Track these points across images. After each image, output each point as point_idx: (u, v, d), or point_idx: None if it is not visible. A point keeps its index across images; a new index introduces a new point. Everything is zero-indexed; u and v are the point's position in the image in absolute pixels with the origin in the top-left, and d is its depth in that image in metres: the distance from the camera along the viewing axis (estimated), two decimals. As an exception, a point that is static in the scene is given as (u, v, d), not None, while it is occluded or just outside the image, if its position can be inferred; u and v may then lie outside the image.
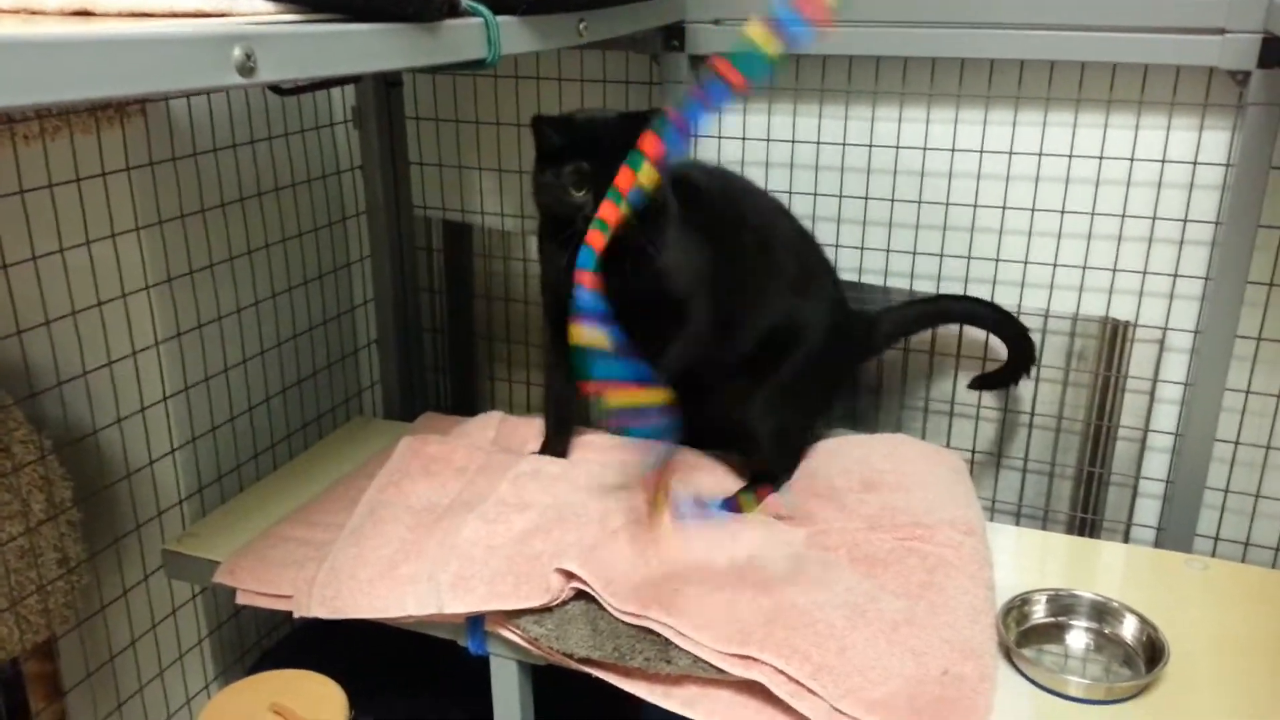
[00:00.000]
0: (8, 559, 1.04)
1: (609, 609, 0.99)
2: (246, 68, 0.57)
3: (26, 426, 1.06)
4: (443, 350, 1.66)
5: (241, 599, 1.11)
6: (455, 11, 0.81)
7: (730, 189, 1.25)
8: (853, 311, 1.30)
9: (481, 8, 0.84)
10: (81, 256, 1.14)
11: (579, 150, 1.06)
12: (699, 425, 1.22)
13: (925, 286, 1.35)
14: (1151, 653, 1.00)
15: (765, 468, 1.23)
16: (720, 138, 1.40)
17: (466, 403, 1.66)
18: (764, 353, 1.20)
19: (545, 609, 1.01)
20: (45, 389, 1.13)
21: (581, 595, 1.01)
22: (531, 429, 1.35)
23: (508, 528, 1.10)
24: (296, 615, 1.06)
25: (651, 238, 1.08)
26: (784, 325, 1.20)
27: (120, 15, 0.61)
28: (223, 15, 0.60)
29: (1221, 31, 1.12)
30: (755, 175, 1.39)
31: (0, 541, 1.03)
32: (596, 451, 1.28)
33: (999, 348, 1.32)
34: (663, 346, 1.13)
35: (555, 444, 1.27)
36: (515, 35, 0.89)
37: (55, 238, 1.11)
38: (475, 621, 1.04)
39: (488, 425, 1.38)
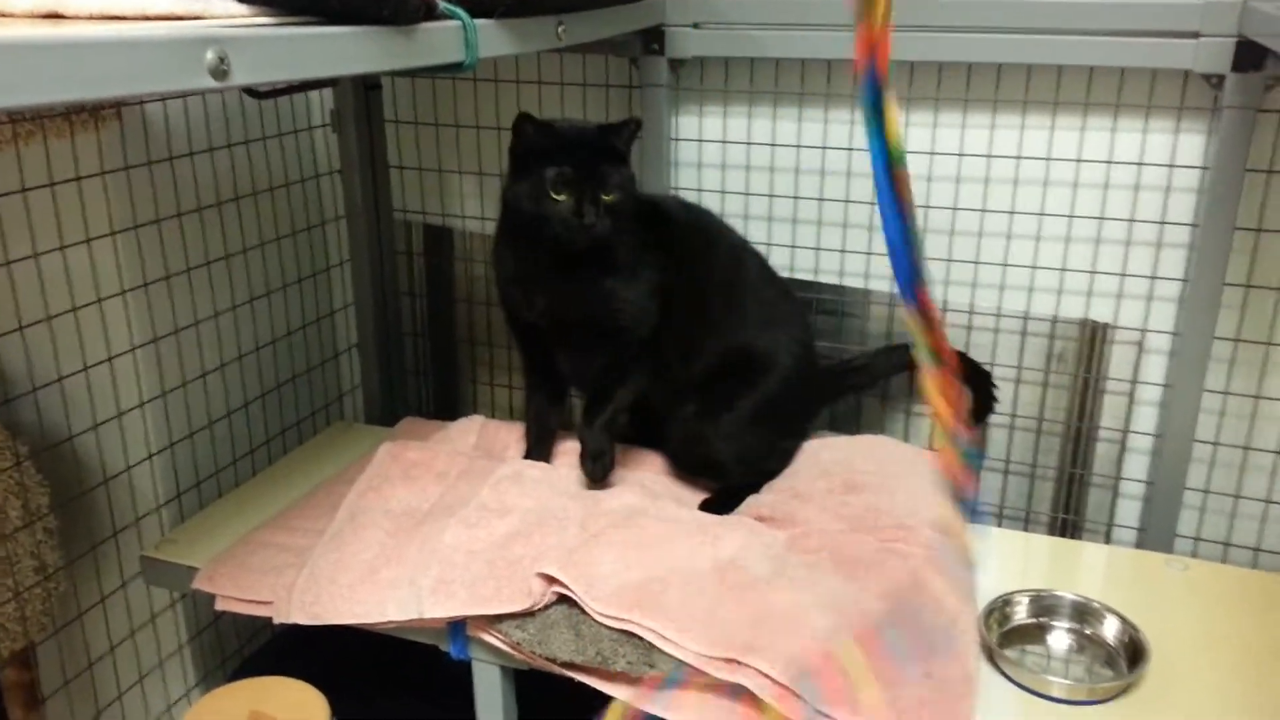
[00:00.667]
0: (-17, 567, 1.03)
1: (591, 613, 0.98)
2: (220, 70, 0.57)
3: (2, 433, 1.05)
4: (423, 354, 1.66)
5: (221, 605, 1.10)
6: (432, 14, 0.80)
7: (702, 225, 1.26)
8: (815, 358, 1.31)
9: (459, 10, 0.84)
10: (56, 261, 1.13)
11: (563, 155, 1.07)
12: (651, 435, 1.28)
13: (906, 289, 1.36)
14: (1133, 653, 1.00)
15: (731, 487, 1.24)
16: (700, 141, 1.40)
17: (448, 407, 1.66)
18: (721, 383, 1.21)
19: (527, 613, 1.00)
20: (20, 394, 1.12)
21: (563, 599, 1.01)
22: (513, 433, 1.34)
23: (489, 532, 1.10)
24: (276, 621, 1.06)
25: (610, 263, 1.12)
26: (741, 358, 1.21)
27: (91, 18, 0.60)
28: (196, 18, 0.60)
29: (1196, 35, 1.13)
30: (735, 178, 1.40)
31: (-25, 549, 1.02)
32: (576, 456, 1.28)
33: (981, 347, 1.33)
34: (596, 370, 1.19)
35: (536, 453, 1.28)
36: (493, 38, 0.89)
37: (29, 242, 1.10)
38: (457, 626, 1.03)
39: (469, 430, 1.38)
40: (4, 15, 0.63)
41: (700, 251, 1.23)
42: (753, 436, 1.22)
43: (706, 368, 1.21)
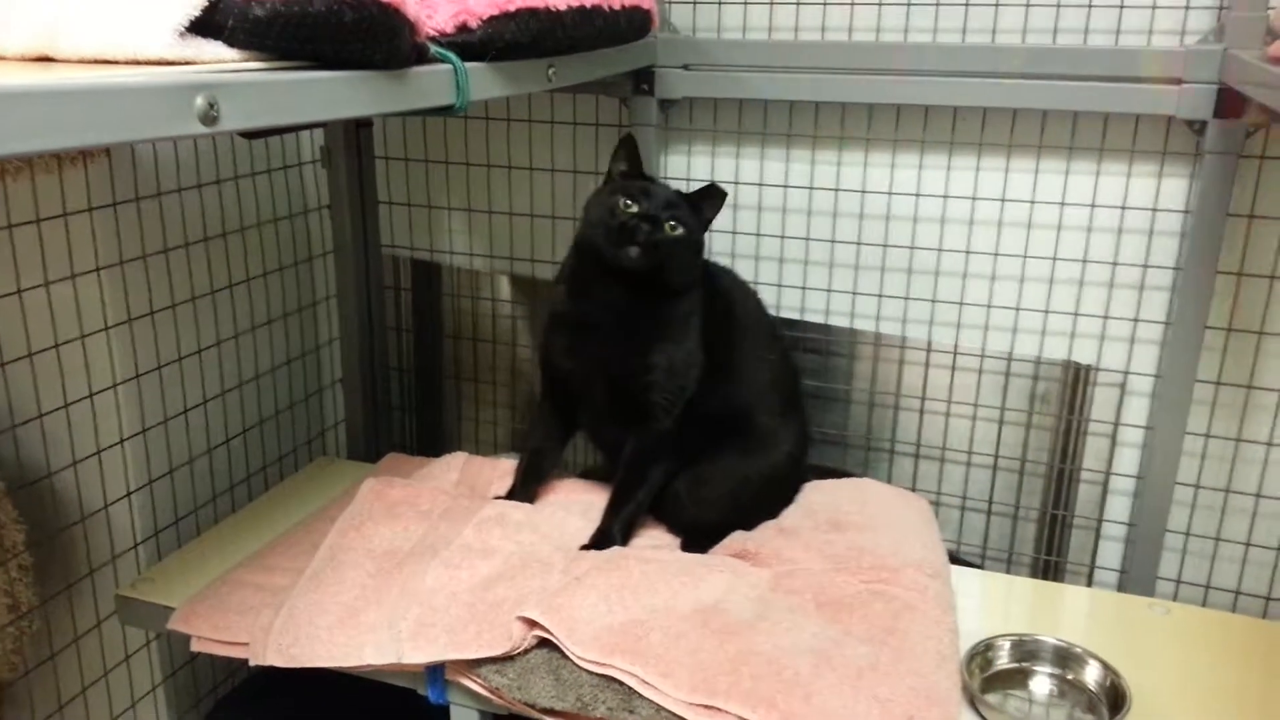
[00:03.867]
0: (-44, 606, 1.01)
1: (572, 657, 0.97)
2: (209, 117, 0.57)
3: (-22, 470, 1.04)
4: (408, 389, 1.65)
5: (196, 646, 1.08)
6: (423, 58, 0.80)
7: (749, 305, 1.27)
8: (807, 452, 1.31)
9: (450, 54, 0.84)
10: (40, 297, 1.12)
11: (648, 181, 1.19)
12: None
13: (890, 329, 1.36)
14: (1114, 699, 1.00)
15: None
16: (689, 179, 1.41)
17: (432, 442, 1.65)
18: (715, 453, 1.21)
19: (507, 658, 0.99)
20: (0, 431, 1.11)
21: (544, 643, 1.00)
22: (496, 470, 1.34)
23: (471, 574, 1.09)
24: (252, 664, 1.04)
25: (660, 322, 1.16)
26: (741, 430, 1.21)
27: (82, 61, 0.60)
28: (186, 64, 0.60)
29: (1179, 82, 1.15)
30: (722, 216, 1.40)
31: (-52, 588, 1.00)
32: (561, 496, 1.27)
33: (965, 390, 1.34)
34: (626, 457, 1.19)
35: (522, 493, 1.26)
36: (484, 81, 0.89)
37: (14, 279, 1.09)
38: (436, 670, 1.02)
39: (451, 467, 1.37)
40: (-4, 57, 0.63)
41: (735, 326, 1.23)
42: (736, 505, 1.22)
43: (705, 432, 1.20)
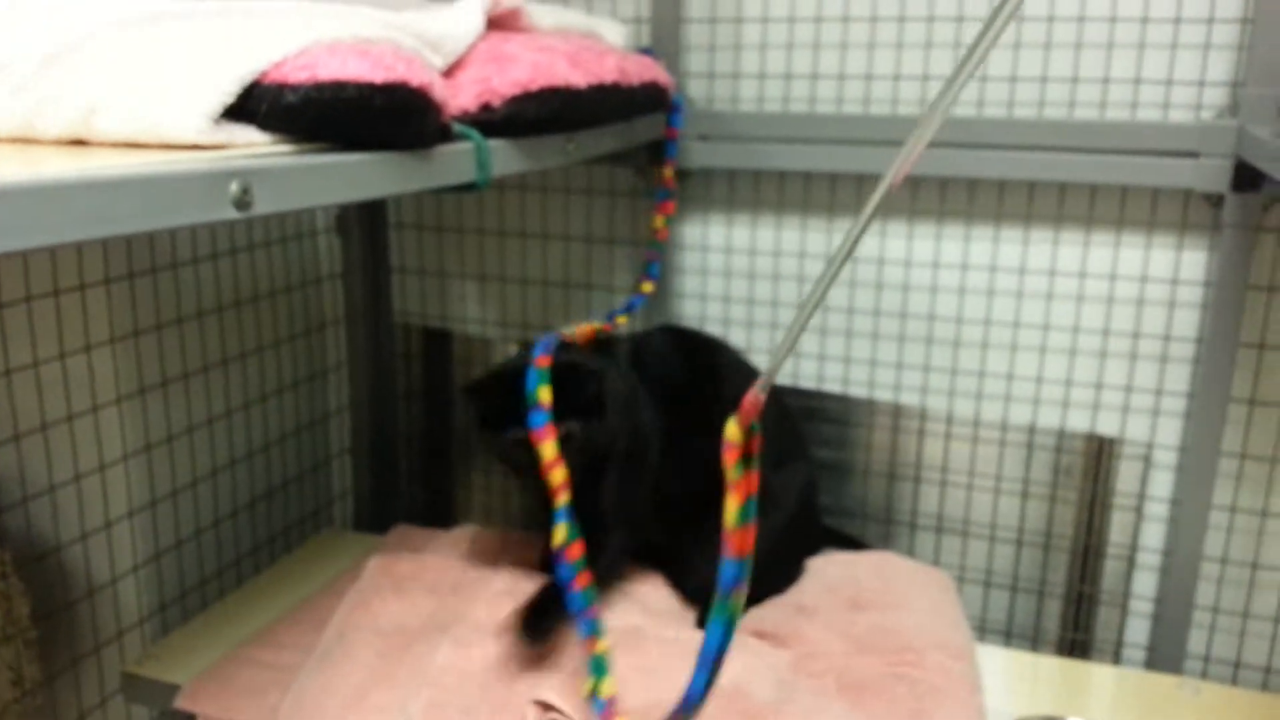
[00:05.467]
0: (-41, 685, 0.99)
1: (591, 741, 0.95)
2: (243, 202, 0.56)
3: (-11, 545, 1.02)
4: (418, 458, 1.63)
5: (203, 726, 1.06)
6: (447, 136, 0.80)
7: (712, 365, 1.24)
8: (818, 513, 1.29)
9: (472, 132, 0.84)
10: (55, 370, 1.11)
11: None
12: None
13: (910, 399, 1.35)
14: (1151, 786, 0.97)
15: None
16: (705, 249, 1.41)
17: (441, 513, 1.63)
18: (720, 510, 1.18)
19: (524, 741, 0.97)
20: (11, 505, 1.09)
21: (563, 726, 0.97)
22: (507, 541, 1.31)
23: (483, 652, 1.06)
24: (262, 746, 1.02)
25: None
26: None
27: (115, 145, 0.60)
28: (219, 148, 0.59)
29: (1195, 155, 1.15)
30: (739, 285, 1.40)
31: (-48, 667, 0.98)
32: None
33: (987, 463, 1.32)
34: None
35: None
36: (505, 157, 0.89)
37: (30, 350, 1.08)
38: (451, 753, 0.99)
39: (461, 539, 1.34)
40: (33, 141, 0.62)
41: (703, 403, 1.20)
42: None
43: (702, 500, 1.18)
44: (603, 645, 0.99)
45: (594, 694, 0.96)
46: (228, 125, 0.61)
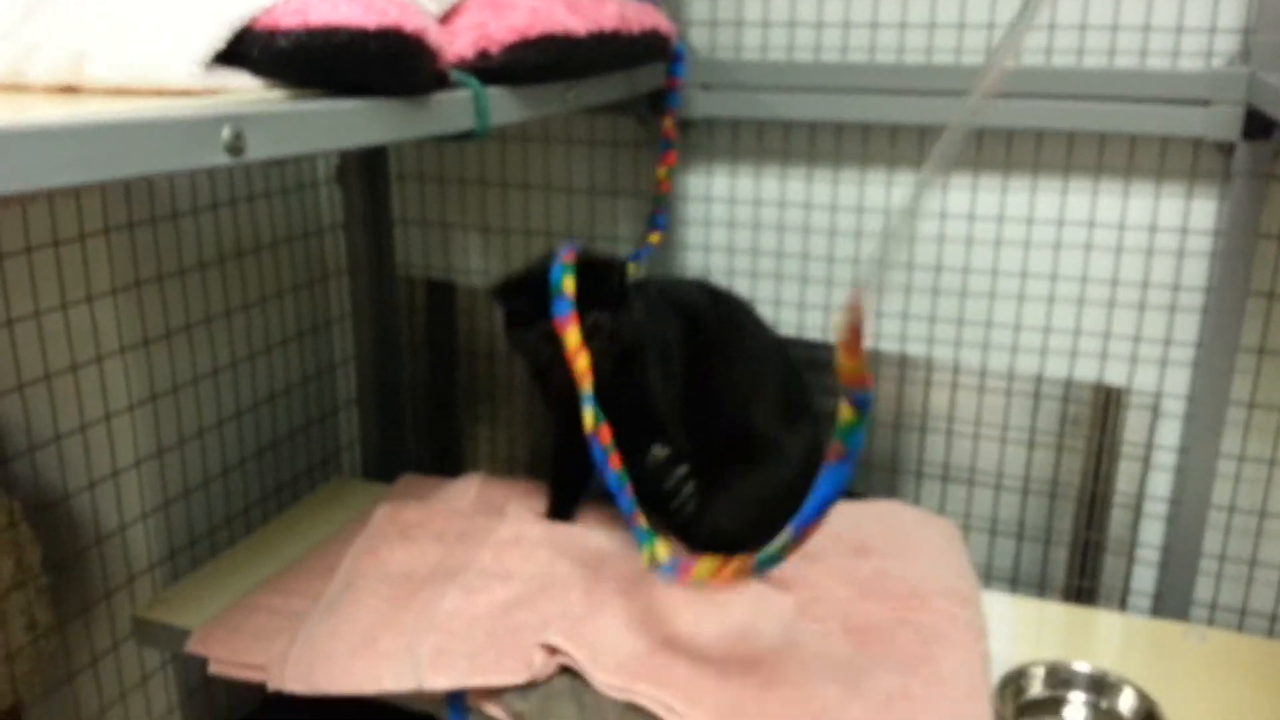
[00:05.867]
0: (-26, 627, 1.00)
1: (595, 684, 0.96)
2: (235, 148, 0.56)
3: (-3, 492, 1.03)
4: (423, 409, 1.64)
5: (214, 669, 1.07)
6: (444, 84, 0.79)
7: (734, 317, 1.25)
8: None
9: (470, 79, 0.83)
10: (57, 320, 1.12)
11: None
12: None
13: (917, 349, 1.35)
14: (1150, 729, 0.98)
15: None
16: (709, 199, 1.39)
17: (448, 462, 1.64)
18: (727, 465, 1.18)
19: (530, 684, 0.98)
20: (17, 454, 1.10)
21: (566, 670, 0.98)
22: (513, 490, 1.32)
23: (490, 598, 1.07)
24: (270, 688, 1.03)
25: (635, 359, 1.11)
26: (749, 444, 1.19)
27: (107, 91, 0.60)
28: (211, 93, 0.59)
29: (1206, 103, 1.13)
30: (743, 235, 1.39)
31: (-33, 611, 1.00)
32: (580, 516, 1.25)
33: (994, 412, 1.32)
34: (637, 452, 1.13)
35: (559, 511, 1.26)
36: (503, 105, 0.88)
37: (32, 301, 1.08)
38: (456, 697, 1.00)
39: (468, 488, 1.35)
40: (21, 87, 0.62)
41: (725, 349, 1.21)
42: (753, 515, 1.19)
43: (713, 449, 1.18)
44: (643, 519, 0.99)
45: (653, 561, 0.96)
46: (220, 71, 0.60)
